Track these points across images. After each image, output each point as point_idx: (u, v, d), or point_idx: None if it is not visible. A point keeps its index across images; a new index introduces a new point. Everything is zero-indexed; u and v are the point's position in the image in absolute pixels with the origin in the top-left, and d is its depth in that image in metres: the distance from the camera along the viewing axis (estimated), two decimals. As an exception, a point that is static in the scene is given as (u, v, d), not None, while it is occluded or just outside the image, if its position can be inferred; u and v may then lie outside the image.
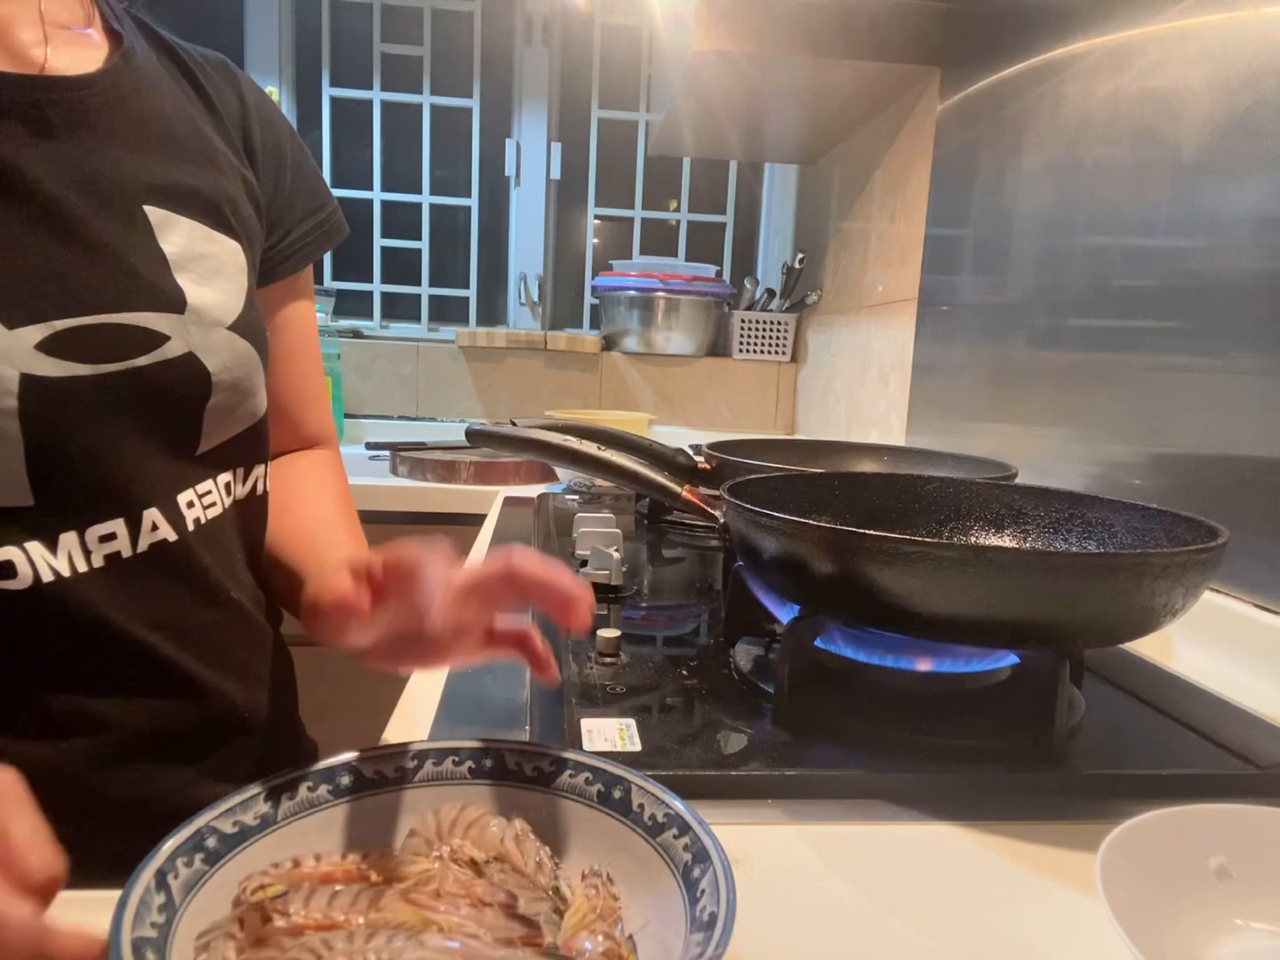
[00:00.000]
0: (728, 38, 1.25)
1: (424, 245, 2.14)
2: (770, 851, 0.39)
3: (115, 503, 0.48)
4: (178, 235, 0.51)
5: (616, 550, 0.74)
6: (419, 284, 2.16)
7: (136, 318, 0.48)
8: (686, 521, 1.04)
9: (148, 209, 0.50)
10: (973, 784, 0.45)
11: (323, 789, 0.36)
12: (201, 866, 0.31)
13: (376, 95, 2.07)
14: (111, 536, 0.48)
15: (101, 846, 0.34)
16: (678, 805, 0.34)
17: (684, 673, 0.56)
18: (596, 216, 2.22)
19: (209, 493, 0.53)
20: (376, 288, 2.14)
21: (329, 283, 2.10)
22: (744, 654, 0.58)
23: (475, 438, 0.85)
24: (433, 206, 2.13)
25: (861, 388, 1.60)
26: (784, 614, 0.55)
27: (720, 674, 0.56)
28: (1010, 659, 0.52)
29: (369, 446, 1.73)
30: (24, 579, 0.45)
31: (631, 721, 0.48)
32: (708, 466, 0.94)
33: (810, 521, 0.49)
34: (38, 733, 0.47)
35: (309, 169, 0.66)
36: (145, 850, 0.30)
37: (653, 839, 0.34)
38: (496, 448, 0.85)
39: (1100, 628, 0.46)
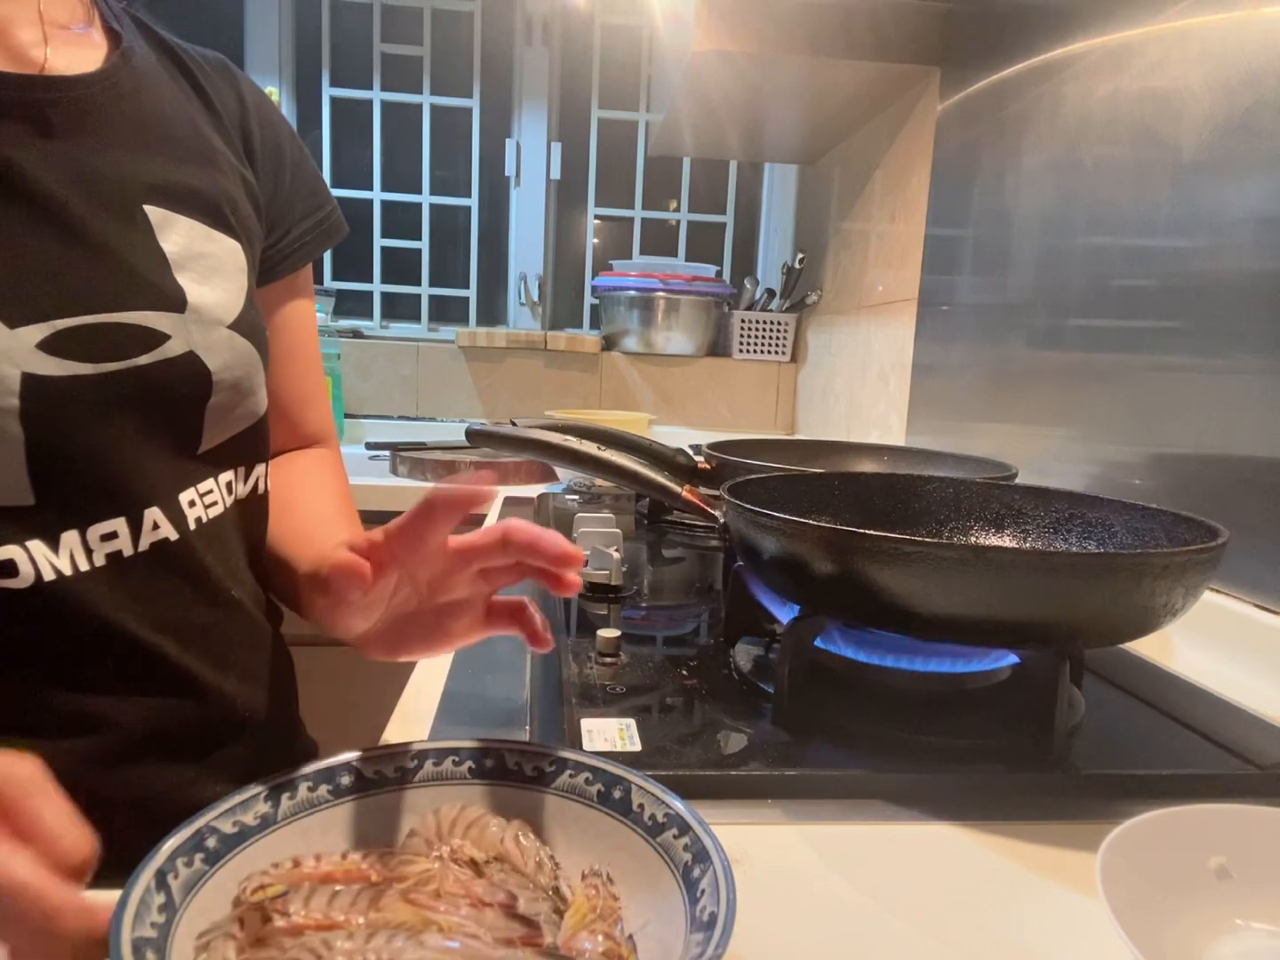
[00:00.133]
0: (728, 38, 1.25)
1: (424, 245, 2.14)
2: (770, 851, 0.39)
3: (116, 501, 0.48)
4: (178, 235, 0.51)
5: (616, 550, 0.74)
6: (419, 284, 2.16)
7: (137, 317, 0.48)
8: (686, 521, 1.04)
9: (148, 208, 0.50)
10: (973, 784, 0.45)
11: (323, 789, 0.36)
12: (201, 866, 0.31)
13: (376, 95, 2.07)
14: (113, 535, 0.48)
15: (101, 846, 0.34)
16: (678, 805, 0.34)
17: (684, 673, 0.56)
18: (596, 216, 2.22)
19: (210, 492, 0.53)
20: (376, 288, 2.14)
21: (329, 283, 2.10)
22: (744, 654, 0.58)
23: (475, 438, 0.85)
24: (433, 206, 2.13)
25: (861, 388, 1.60)
26: (784, 614, 0.55)
27: (720, 674, 0.56)
28: (1010, 659, 0.52)
29: (369, 446, 1.73)
30: (25, 578, 0.45)
31: (631, 721, 0.48)
32: (708, 466, 0.94)
33: (810, 521, 0.49)
34: (38, 732, 0.47)
35: (308, 169, 0.67)
36: (145, 850, 0.30)
37: (653, 839, 0.34)
38: (496, 448, 0.85)
39: (1100, 628, 0.46)
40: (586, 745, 0.45)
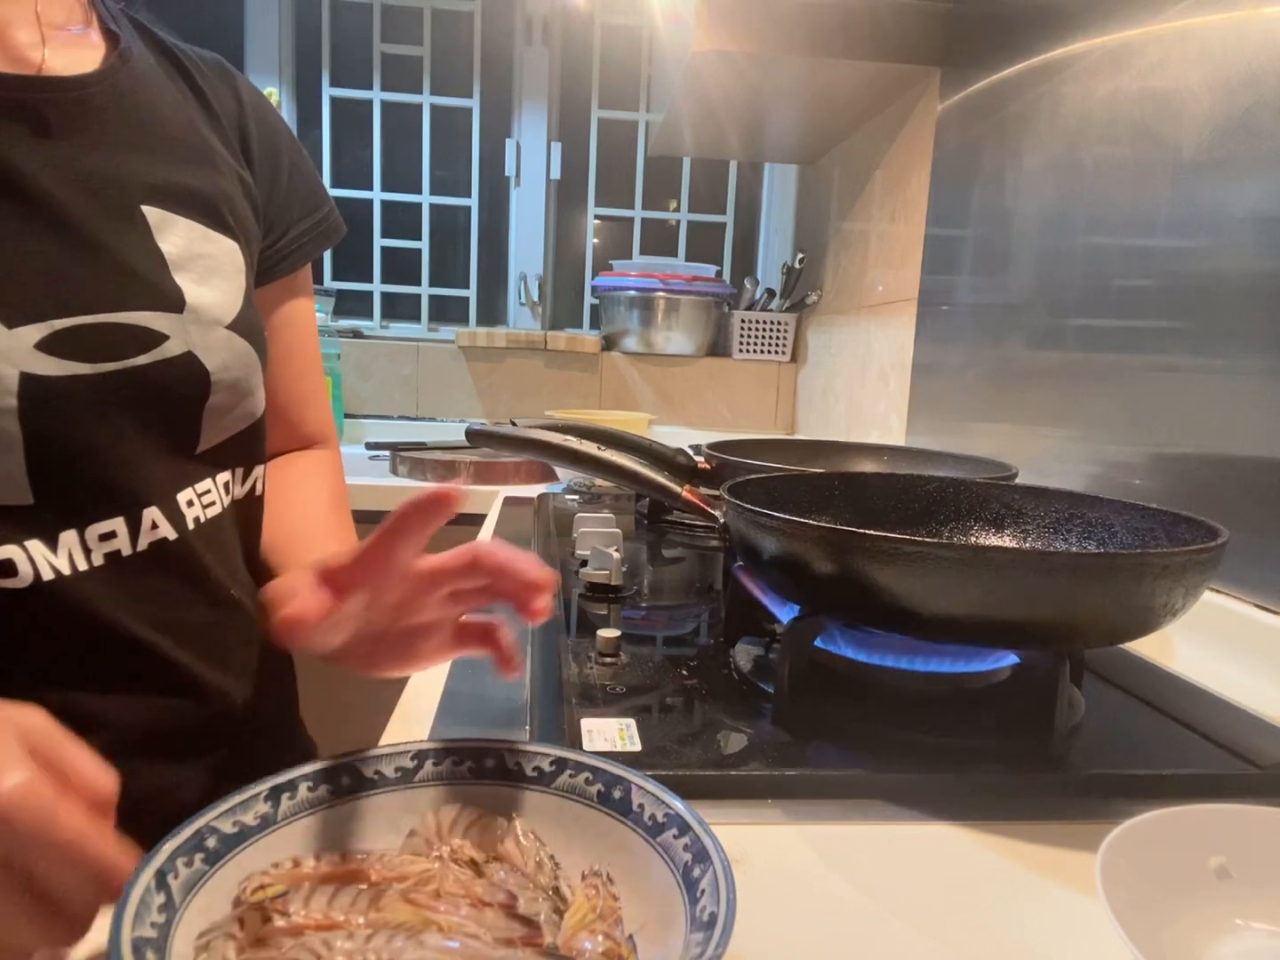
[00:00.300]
0: (728, 38, 1.25)
1: (424, 245, 2.14)
2: (770, 851, 0.39)
3: (115, 501, 0.48)
4: (176, 235, 0.51)
5: (616, 550, 0.74)
6: (419, 284, 2.16)
7: (135, 317, 0.48)
8: (686, 521, 1.04)
9: (146, 209, 0.50)
10: (973, 784, 0.45)
11: (323, 789, 0.36)
12: (201, 866, 0.31)
13: (376, 95, 2.07)
14: (111, 535, 0.48)
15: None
16: (678, 805, 0.34)
17: (684, 673, 0.56)
18: (596, 216, 2.22)
19: (208, 492, 0.53)
20: (376, 288, 2.14)
21: (329, 283, 2.10)
22: (744, 654, 0.58)
23: (475, 438, 0.85)
24: (433, 206, 2.13)
25: (861, 388, 1.60)
26: (784, 614, 0.55)
27: (720, 674, 0.56)
28: (1010, 659, 0.52)
29: (369, 446, 1.73)
30: (24, 577, 0.45)
31: (631, 721, 0.48)
32: (708, 466, 0.94)
33: (810, 521, 0.49)
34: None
35: (306, 169, 0.67)
36: (145, 850, 0.30)
37: (653, 839, 0.33)
38: (496, 448, 0.85)
39: (1100, 628, 0.46)
40: (586, 745, 0.45)
